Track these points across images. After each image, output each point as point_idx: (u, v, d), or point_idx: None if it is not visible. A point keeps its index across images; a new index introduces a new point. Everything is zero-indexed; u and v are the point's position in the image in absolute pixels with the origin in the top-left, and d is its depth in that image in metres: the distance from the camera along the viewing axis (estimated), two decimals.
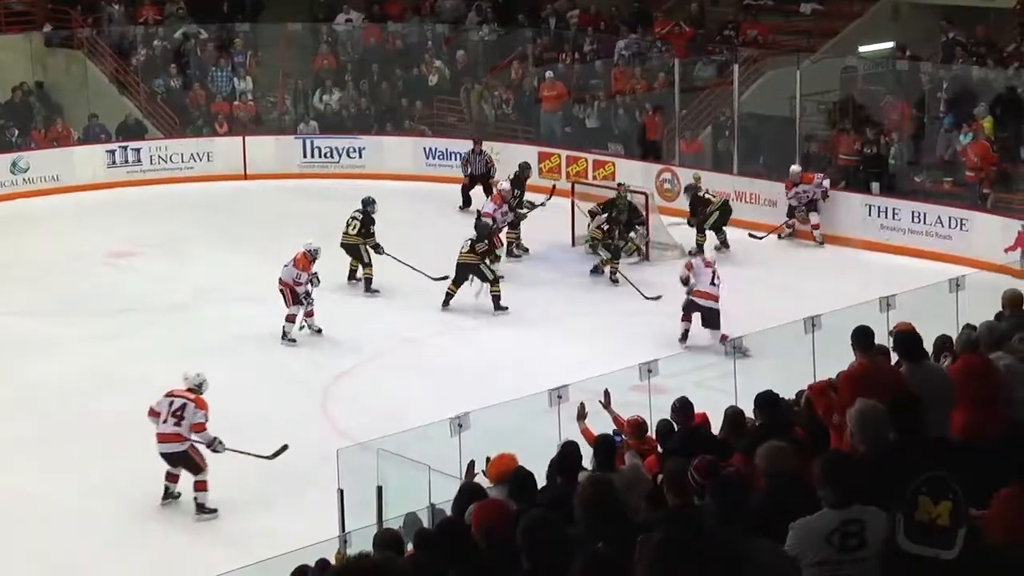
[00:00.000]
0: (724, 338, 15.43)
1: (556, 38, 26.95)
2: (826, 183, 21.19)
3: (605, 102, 25.38)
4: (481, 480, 8.63)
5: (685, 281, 16.49)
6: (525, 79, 26.47)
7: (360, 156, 25.39)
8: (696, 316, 16.51)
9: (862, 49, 24.09)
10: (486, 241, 18.09)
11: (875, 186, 21.51)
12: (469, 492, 7.54)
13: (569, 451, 8.32)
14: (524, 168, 21.41)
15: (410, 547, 7.10)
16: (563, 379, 11.49)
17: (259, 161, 25.49)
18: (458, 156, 23.97)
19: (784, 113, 22.76)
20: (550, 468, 8.02)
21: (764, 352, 13.75)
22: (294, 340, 16.96)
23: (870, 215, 21.07)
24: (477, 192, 22.58)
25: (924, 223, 20.46)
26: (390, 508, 9.86)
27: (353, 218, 18.98)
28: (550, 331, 17.34)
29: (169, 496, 12.88)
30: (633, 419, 10.40)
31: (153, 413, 12.73)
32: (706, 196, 20.67)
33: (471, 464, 9.36)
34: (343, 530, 10.20)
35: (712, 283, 16.41)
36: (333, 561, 8.38)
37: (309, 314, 17.22)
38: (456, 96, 27.14)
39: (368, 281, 18.83)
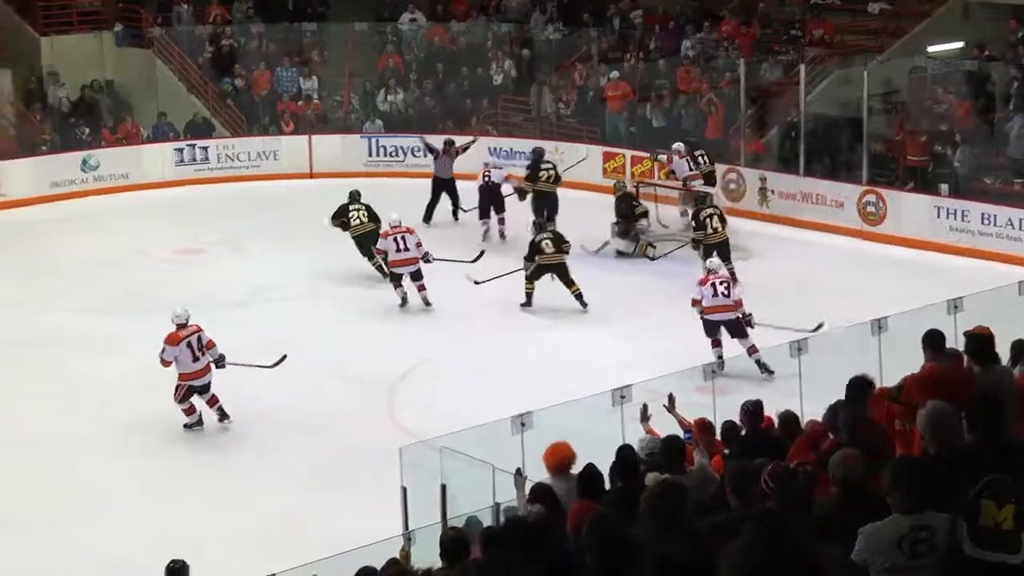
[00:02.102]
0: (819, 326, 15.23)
1: (621, 38, 26.85)
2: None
3: (670, 102, 25.25)
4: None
5: (695, 305, 15.71)
6: (589, 79, 26.39)
7: (424, 155, 25.38)
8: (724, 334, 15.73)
9: (931, 49, 23.80)
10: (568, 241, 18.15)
11: (944, 187, 21.24)
12: (539, 492, 7.59)
13: (625, 455, 8.31)
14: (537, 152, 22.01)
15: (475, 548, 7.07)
16: (626, 379, 11.42)
17: (325, 160, 25.58)
18: (522, 156, 23.91)
19: (851, 114, 22.53)
20: (611, 472, 7.97)
21: (831, 354, 13.58)
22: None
23: (939, 217, 20.78)
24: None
25: (994, 225, 20.14)
26: (453, 507, 9.82)
27: (355, 210, 19.39)
28: (611, 330, 17.25)
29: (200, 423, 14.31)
30: (700, 420, 10.31)
31: (166, 363, 13.95)
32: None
33: (518, 471, 9.31)
34: (407, 528, 10.18)
35: (716, 295, 15.55)
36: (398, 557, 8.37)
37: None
38: (521, 95, 27.10)
39: (381, 269, 18.99)
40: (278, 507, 12.71)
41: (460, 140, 22.99)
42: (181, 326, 14.01)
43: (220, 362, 14.23)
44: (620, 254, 20.18)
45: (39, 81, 26.71)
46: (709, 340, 15.50)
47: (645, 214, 20.48)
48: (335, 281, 18.88)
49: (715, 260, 17.43)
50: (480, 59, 27.63)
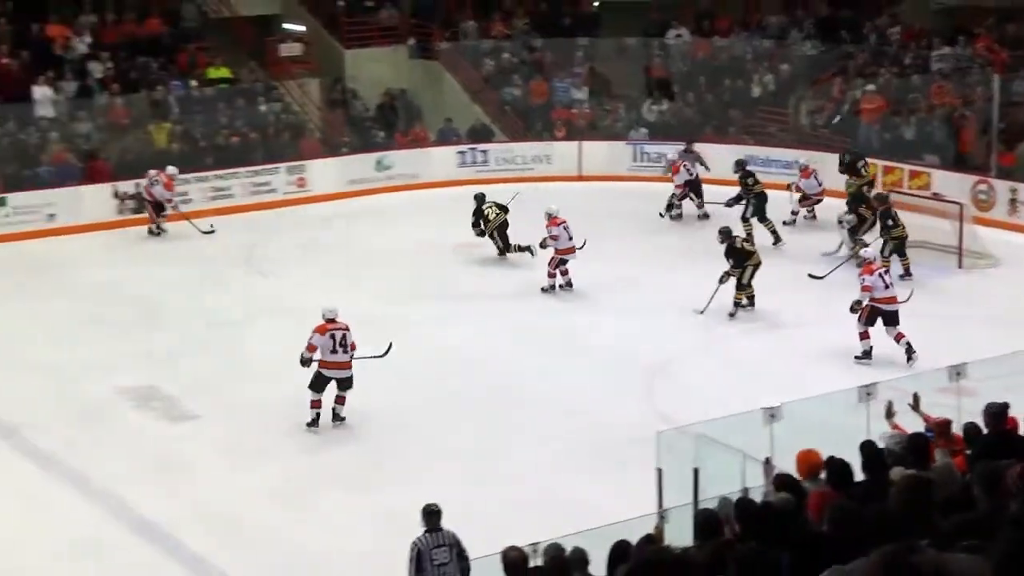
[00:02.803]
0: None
1: (876, 53, 26.29)
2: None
3: (923, 114, 24.62)
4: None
5: (865, 291, 15.65)
6: (846, 93, 25.92)
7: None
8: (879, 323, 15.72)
9: None
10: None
11: None
12: (785, 481, 7.58)
13: (871, 450, 8.25)
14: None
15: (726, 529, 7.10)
16: (872, 377, 11.27)
17: (593, 164, 25.80)
18: (776, 164, 23.79)
19: None
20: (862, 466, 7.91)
21: None
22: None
23: None
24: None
25: None
26: (705, 490, 9.84)
27: (488, 207, 20.64)
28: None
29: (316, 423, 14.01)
30: (940, 420, 10.09)
31: (312, 348, 13.83)
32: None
33: (767, 460, 9.31)
34: (660, 507, 10.24)
35: (887, 287, 15.65)
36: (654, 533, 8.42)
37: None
38: (779, 107, 26.81)
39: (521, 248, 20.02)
40: (542, 483, 12.82)
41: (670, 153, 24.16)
42: (330, 320, 13.98)
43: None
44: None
45: (342, 90, 27.64)
46: (861, 331, 15.71)
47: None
48: (602, 279, 19.02)
49: (871, 250, 17.40)
50: (740, 72, 27.44)
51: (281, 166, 24.95)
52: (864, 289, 15.70)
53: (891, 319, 15.68)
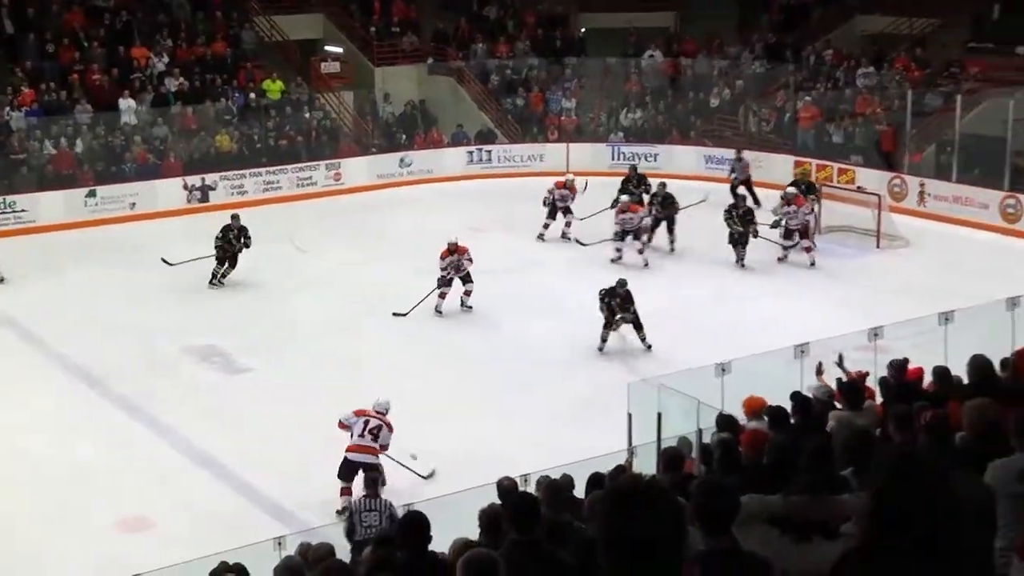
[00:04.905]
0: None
1: (813, 71, 26.12)
2: (809, 216, 18.68)
3: (850, 122, 24.48)
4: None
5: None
6: (787, 103, 25.78)
7: (655, 160, 25.25)
8: None
9: None
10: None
11: None
12: (726, 421, 7.49)
13: (801, 398, 8.31)
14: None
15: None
16: (806, 337, 11.19)
17: (579, 161, 25.62)
18: (728, 161, 23.57)
19: (998, 134, 21.43)
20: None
21: (972, 325, 13.00)
22: None
23: None
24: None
25: None
26: (667, 431, 9.80)
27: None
28: (801, 299, 16.92)
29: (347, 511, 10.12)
30: (859, 373, 10.02)
31: (343, 427, 11.26)
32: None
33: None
34: (630, 444, 10.20)
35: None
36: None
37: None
38: (732, 115, 26.66)
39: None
40: (536, 428, 12.78)
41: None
42: (380, 413, 11.33)
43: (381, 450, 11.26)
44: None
45: (372, 101, 27.50)
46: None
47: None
48: (584, 257, 18.94)
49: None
50: (702, 87, 27.26)
51: (321, 163, 24.80)
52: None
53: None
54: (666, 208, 19.42)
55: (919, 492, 2.70)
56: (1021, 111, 21.17)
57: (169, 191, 23.05)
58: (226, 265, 17.92)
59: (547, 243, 20.12)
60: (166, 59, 25.32)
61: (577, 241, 19.71)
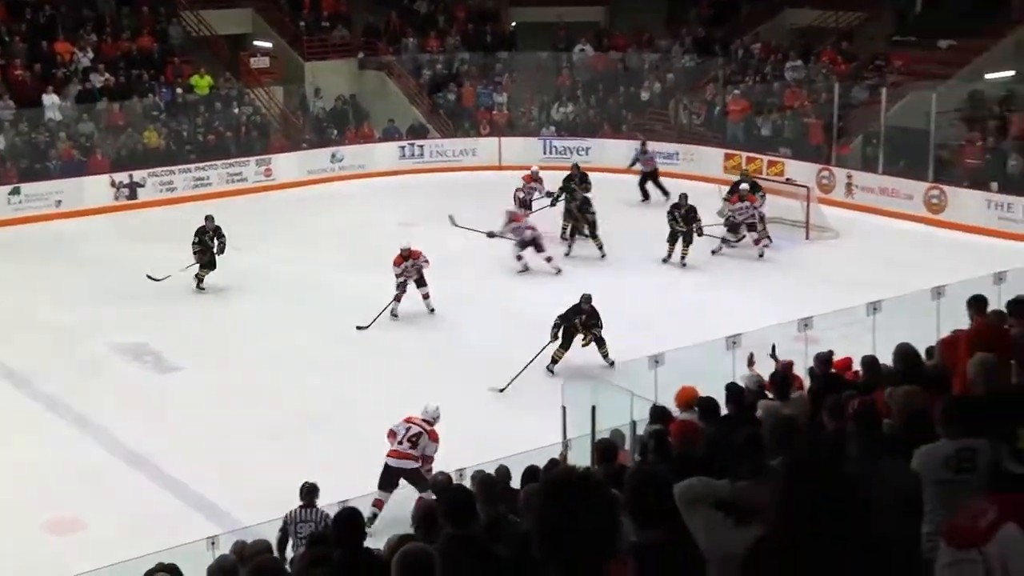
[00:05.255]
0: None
1: (742, 65, 26.38)
2: (764, 209, 19.06)
3: (779, 115, 24.76)
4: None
5: None
6: (716, 96, 26.00)
7: (587, 153, 25.32)
8: None
9: (988, 76, 22.87)
10: None
11: (994, 185, 20.47)
12: (659, 413, 7.52)
13: (734, 389, 8.38)
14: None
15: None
16: (738, 329, 11.31)
17: (511, 156, 25.65)
18: (660, 155, 23.73)
19: (922, 126, 21.82)
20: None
21: (899, 314, 13.25)
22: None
23: (989, 208, 20.08)
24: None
25: None
26: (601, 423, 9.84)
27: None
28: (732, 290, 17.09)
29: (372, 521, 9.95)
30: (786, 362, 10.16)
31: (392, 435, 10.84)
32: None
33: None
34: (565, 437, 10.23)
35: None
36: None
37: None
38: (663, 109, 26.83)
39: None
40: (474, 422, 12.52)
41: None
42: (427, 421, 10.94)
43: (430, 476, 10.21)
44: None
45: (302, 96, 27.27)
46: None
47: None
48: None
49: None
50: (633, 81, 27.40)
51: (251, 159, 24.55)
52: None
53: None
54: (688, 223, 18.46)
55: (818, 493, 2.75)
56: (943, 104, 21.58)
57: (96, 188, 22.66)
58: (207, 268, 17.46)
59: (477, 236, 20.00)
60: (91, 54, 24.89)
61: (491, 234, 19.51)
